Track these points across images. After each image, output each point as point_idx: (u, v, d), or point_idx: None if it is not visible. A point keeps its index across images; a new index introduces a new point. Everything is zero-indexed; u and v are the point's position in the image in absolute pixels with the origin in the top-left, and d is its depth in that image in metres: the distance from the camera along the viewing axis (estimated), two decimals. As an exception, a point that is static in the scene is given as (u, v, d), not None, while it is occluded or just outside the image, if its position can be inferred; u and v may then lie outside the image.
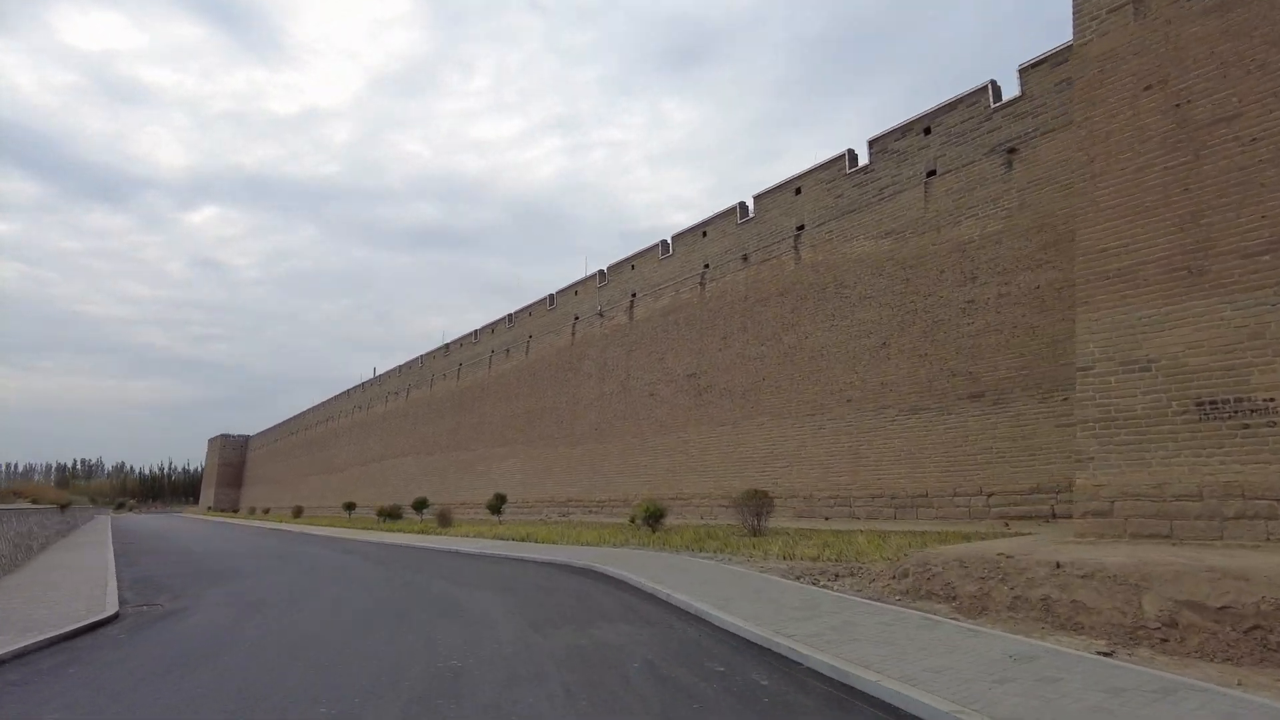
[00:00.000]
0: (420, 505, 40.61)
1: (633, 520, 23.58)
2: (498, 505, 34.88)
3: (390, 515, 38.83)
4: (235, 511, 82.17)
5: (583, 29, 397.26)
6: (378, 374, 67.17)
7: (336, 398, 77.74)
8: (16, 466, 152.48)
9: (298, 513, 59.51)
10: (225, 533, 40.40)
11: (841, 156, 24.71)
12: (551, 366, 39.95)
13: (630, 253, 35.15)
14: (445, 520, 32.43)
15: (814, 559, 13.31)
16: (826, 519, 22.46)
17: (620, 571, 13.28)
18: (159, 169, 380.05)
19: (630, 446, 32.71)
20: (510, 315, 45.39)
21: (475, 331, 49.80)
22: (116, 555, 21.93)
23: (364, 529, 35.91)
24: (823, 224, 25.07)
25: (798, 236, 25.95)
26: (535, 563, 16.70)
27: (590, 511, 34.07)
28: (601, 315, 36.28)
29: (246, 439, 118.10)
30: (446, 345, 54.01)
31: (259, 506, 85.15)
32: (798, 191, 26.29)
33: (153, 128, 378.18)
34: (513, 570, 15.61)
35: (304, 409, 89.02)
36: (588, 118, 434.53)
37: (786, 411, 25.26)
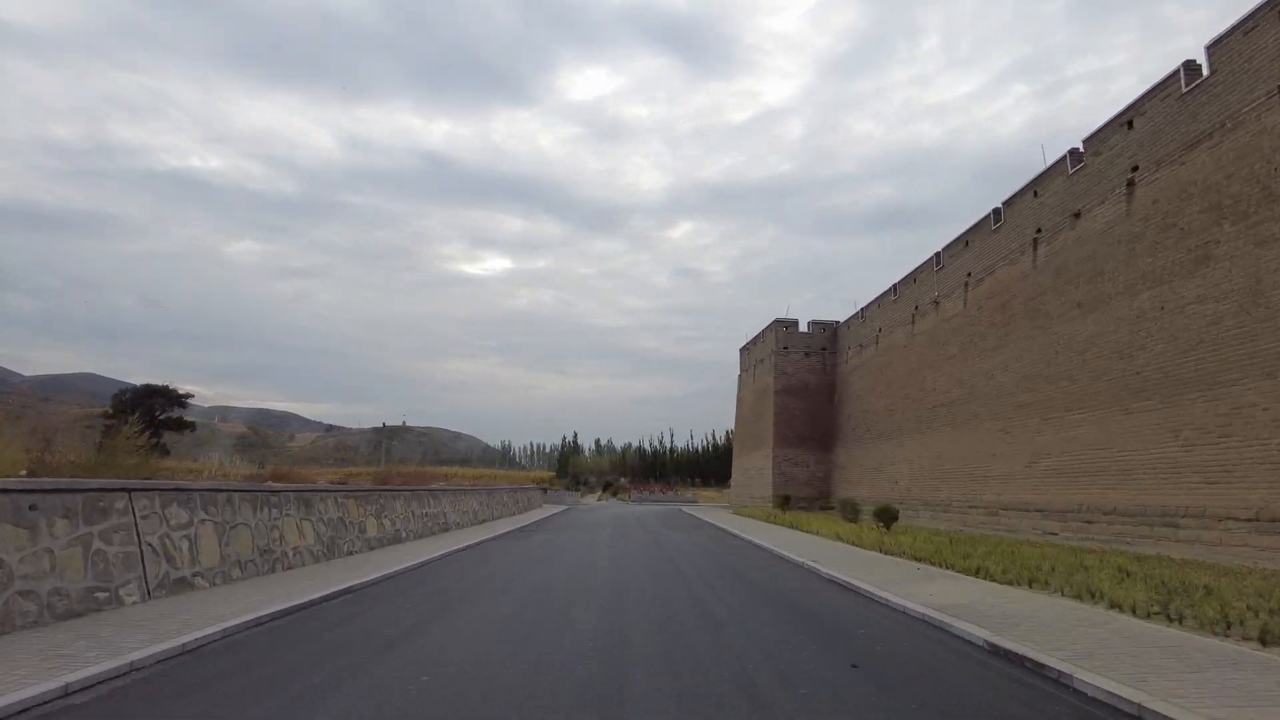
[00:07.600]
0: None
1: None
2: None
3: None
4: (806, 515, 34.80)
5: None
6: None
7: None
8: (544, 446, 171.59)
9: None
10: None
11: None
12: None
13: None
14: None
15: None
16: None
17: None
18: (642, 195, 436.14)
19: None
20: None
21: None
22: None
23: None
24: None
25: None
26: None
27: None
28: None
29: (835, 330, 51.15)
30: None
31: (864, 500, 34.08)
32: None
33: (635, 159, 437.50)
34: None
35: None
36: (1058, 52, 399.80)
37: None
